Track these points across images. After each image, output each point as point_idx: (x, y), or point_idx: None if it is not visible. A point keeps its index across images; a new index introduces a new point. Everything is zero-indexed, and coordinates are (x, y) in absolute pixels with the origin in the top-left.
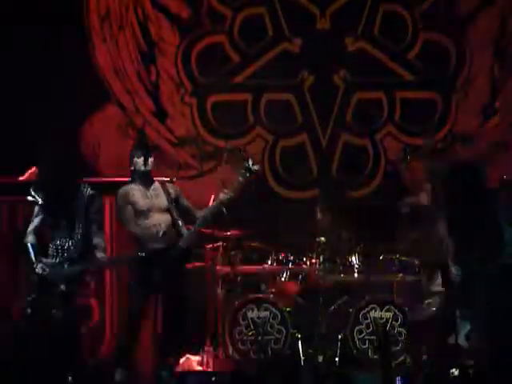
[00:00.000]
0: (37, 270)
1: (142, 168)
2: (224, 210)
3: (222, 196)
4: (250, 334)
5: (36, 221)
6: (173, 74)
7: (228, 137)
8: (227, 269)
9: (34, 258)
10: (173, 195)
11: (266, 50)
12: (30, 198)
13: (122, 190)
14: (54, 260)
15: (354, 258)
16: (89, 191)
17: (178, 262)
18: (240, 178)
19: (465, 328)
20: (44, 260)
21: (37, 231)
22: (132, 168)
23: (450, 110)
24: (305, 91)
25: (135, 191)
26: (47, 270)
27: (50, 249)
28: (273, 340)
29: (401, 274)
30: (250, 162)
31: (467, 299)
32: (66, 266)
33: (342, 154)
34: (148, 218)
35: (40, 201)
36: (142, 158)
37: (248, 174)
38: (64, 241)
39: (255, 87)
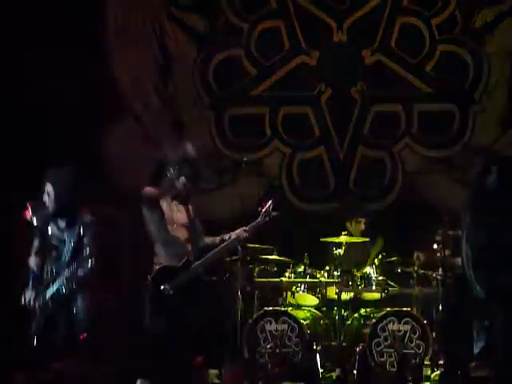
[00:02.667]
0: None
1: (175, 183)
2: (239, 247)
3: (240, 233)
4: (269, 346)
5: (35, 243)
6: (190, 87)
7: (245, 150)
8: (246, 282)
9: (30, 285)
10: (192, 214)
11: (283, 63)
12: (27, 218)
13: (150, 190)
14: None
15: (371, 271)
16: (86, 218)
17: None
18: (259, 220)
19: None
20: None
21: (37, 254)
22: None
23: (467, 123)
24: (322, 104)
25: (163, 200)
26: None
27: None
28: (291, 353)
29: (419, 287)
30: (270, 207)
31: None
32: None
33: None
34: (172, 231)
35: (35, 222)
36: (177, 174)
37: (267, 218)
38: (51, 267)
39: (272, 100)
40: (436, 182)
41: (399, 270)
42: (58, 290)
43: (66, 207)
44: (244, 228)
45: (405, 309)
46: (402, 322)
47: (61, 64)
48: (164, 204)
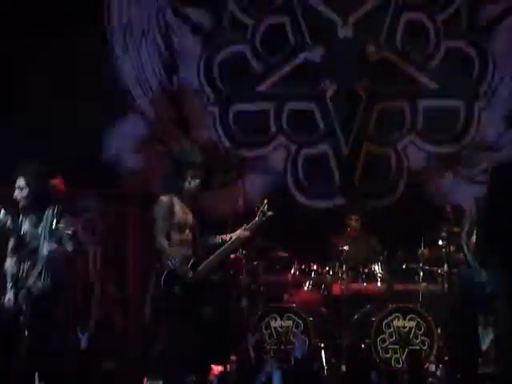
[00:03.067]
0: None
1: (187, 185)
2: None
3: (241, 233)
4: (273, 343)
5: (10, 244)
6: (195, 83)
7: (250, 146)
8: (250, 279)
9: (8, 286)
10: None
11: (288, 60)
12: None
13: (165, 199)
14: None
15: (376, 267)
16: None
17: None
18: (257, 219)
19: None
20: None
21: (13, 254)
22: (174, 180)
23: (472, 119)
24: (327, 100)
25: (176, 203)
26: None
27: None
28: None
29: (424, 284)
30: (266, 207)
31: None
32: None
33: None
34: (182, 234)
35: (8, 221)
36: (190, 176)
37: (264, 218)
38: (28, 263)
39: (277, 96)
40: (441, 178)
41: (404, 267)
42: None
43: (38, 201)
44: (244, 227)
45: (410, 305)
46: (407, 318)
47: (65, 59)
48: (177, 207)
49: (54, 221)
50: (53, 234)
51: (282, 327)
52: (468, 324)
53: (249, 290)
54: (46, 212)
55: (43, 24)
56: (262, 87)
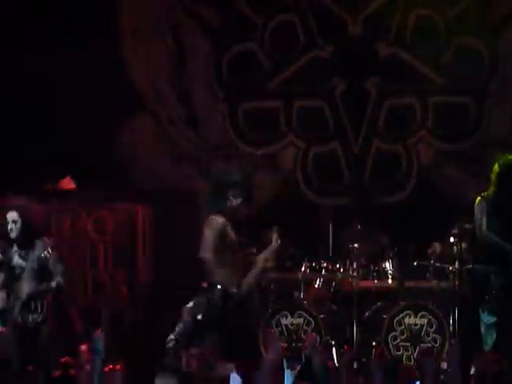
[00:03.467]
0: None
1: (230, 204)
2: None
3: (264, 266)
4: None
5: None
6: (205, 81)
7: (260, 144)
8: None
9: None
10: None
11: (297, 57)
12: None
13: (220, 220)
14: None
15: (387, 264)
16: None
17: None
18: (273, 245)
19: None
20: None
21: (3, 288)
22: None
23: (483, 115)
24: (337, 97)
25: (228, 225)
26: None
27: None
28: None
29: (435, 281)
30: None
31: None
32: None
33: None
34: (234, 255)
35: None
36: (232, 196)
37: (279, 242)
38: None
39: (287, 94)
40: (451, 174)
41: (415, 264)
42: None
43: (29, 234)
44: (264, 257)
45: (421, 302)
46: (419, 315)
47: (76, 59)
48: (229, 228)
49: (43, 254)
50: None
51: (292, 325)
52: (477, 321)
53: (259, 288)
54: (36, 245)
55: (54, 24)
56: (272, 85)
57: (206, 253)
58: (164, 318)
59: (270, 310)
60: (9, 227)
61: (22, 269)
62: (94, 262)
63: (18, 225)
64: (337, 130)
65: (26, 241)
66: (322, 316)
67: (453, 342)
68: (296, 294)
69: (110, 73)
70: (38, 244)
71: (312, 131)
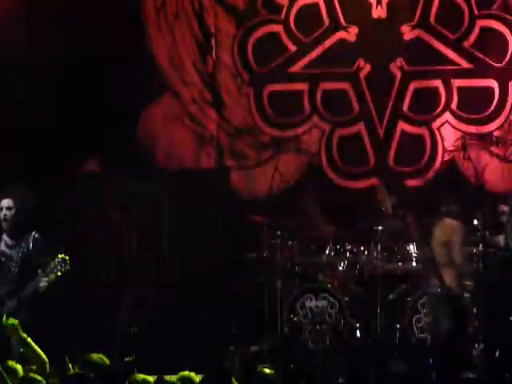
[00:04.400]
0: None
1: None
2: None
3: None
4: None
5: None
6: (229, 63)
7: (285, 126)
8: (286, 259)
9: None
10: None
11: (322, 39)
12: None
13: None
14: None
15: (411, 247)
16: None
17: None
18: None
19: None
20: None
21: None
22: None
23: (507, 98)
24: (361, 80)
25: None
26: None
27: None
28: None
29: None
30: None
31: None
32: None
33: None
34: None
35: None
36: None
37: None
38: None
39: (311, 77)
40: (476, 158)
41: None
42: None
43: (21, 223)
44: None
45: None
46: None
47: (100, 41)
48: None
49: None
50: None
51: (317, 307)
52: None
53: (284, 270)
54: (27, 236)
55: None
56: (296, 67)
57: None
58: None
59: (294, 293)
60: (2, 214)
61: (5, 256)
62: (119, 248)
63: (12, 212)
64: (361, 112)
65: (18, 230)
66: (346, 299)
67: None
68: (320, 276)
69: (135, 55)
70: (28, 236)
71: (337, 114)
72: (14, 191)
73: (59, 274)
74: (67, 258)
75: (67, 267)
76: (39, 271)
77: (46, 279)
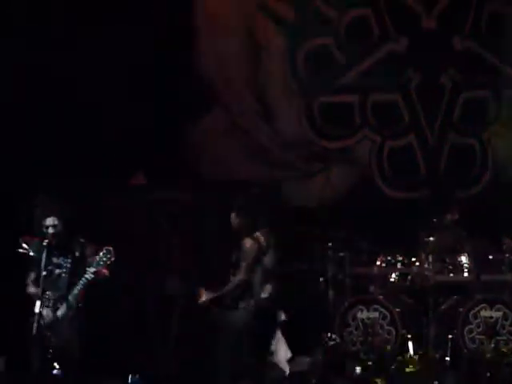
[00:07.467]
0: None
1: None
2: None
3: None
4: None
5: (32, 274)
6: (280, 76)
7: (335, 138)
8: (337, 270)
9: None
10: None
11: (372, 51)
12: (21, 250)
13: None
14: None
15: (463, 258)
16: (80, 242)
17: None
18: None
19: None
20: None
21: (34, 282)
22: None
23: None
24: (411, 91)
25: None
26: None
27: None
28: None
29: (511, 274)
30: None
31: None
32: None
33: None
34: None
35: (32, 253)
36: None
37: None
38: (52, 293)
39: (362, 88)
40: None
41: (491, 257)
42: (67, 309)
43: (65, 236)
44: None
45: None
46: (494, 308)
47: (151, 53)
48: None
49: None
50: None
51: (368, 319)
52: None
53: (335, 282)
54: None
55: (127, 15)
56: (347, 79)
57: None
58: None
59: (345, 304)
60: (48, 232)
61: (55, 265)
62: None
63: (57, 229)
64: (412, 123)
65: (63, 242)
66: (397, 310)
67: None
68: (371, 288)
69: (185, 67)
70: (76, 245)
71: (387, 125)
72: (53, 206)
73: (107, 264)
74: (111, 248)
75: (112, 258)
76: (86, 268)
77: (92, 271)
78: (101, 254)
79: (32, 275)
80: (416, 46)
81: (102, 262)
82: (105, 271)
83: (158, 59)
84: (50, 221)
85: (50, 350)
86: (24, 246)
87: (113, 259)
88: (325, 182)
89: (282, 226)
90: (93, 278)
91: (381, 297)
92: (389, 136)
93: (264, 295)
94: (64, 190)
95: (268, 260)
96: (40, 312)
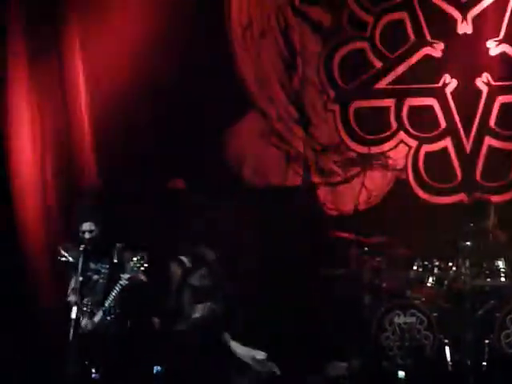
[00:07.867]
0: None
1: None
2: None
3: None
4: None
5: (72, 281)
6: (315, 81)
7: (371, 143)
8: (373, 275)
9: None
10: None
11: (407, 55)
12: (62, 258)
13: None
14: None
15: (500, 263)
16: (118, 246)
17: None
18: None
19: None
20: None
21: (74, 290)
22: None
23: None
24: (447, 95)
25: None
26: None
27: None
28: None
29: None
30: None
31: None
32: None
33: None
34: None
35: (71, 259)
36: None
37: None
38: (91, 299)
39: (397, 93)
40: None
41: None
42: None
43: (103, 240)
44: None
45: None
46: None
47: (186, 59)
48: None
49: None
50: (127, 267)
51: (405, 323)
52: None
53: (372, 286)
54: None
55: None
56: (382, 84)
57: None
58: None
59: (382, 309)
60: (85, 237)
61: (93, 271)
62: None
63: (94, 234)
64: (448, 128)
65: (101, 247)
66: (434, 314)
67: None
68: (408, 292)
69: (221, 72)
70: (114, 250)
71: (423, 129)
72: (91, 212)
73: (141, 269)
74: (144, 255)
75: (145, 264)
76: (121, 275)
77: (126, 277)
78: (135, 259)
79: (72, 283)
80: (452, 50)
81: (135, 268)
82: (141, 276)
83: (195, 65)
84: (86, 226)
85: (87, 356)
86: (63, 253)
87: (146, 265)
88: (360, 186)
89: (318, 232)
90: (127, 284)
91: (417, 301)
92: (425, 140)
93: (196, 315)
94: (101, 195)
95: (196, 280)
96: (77, 318)
